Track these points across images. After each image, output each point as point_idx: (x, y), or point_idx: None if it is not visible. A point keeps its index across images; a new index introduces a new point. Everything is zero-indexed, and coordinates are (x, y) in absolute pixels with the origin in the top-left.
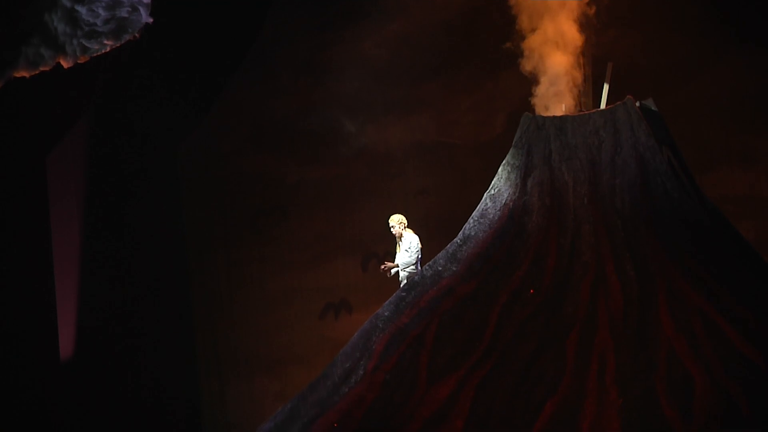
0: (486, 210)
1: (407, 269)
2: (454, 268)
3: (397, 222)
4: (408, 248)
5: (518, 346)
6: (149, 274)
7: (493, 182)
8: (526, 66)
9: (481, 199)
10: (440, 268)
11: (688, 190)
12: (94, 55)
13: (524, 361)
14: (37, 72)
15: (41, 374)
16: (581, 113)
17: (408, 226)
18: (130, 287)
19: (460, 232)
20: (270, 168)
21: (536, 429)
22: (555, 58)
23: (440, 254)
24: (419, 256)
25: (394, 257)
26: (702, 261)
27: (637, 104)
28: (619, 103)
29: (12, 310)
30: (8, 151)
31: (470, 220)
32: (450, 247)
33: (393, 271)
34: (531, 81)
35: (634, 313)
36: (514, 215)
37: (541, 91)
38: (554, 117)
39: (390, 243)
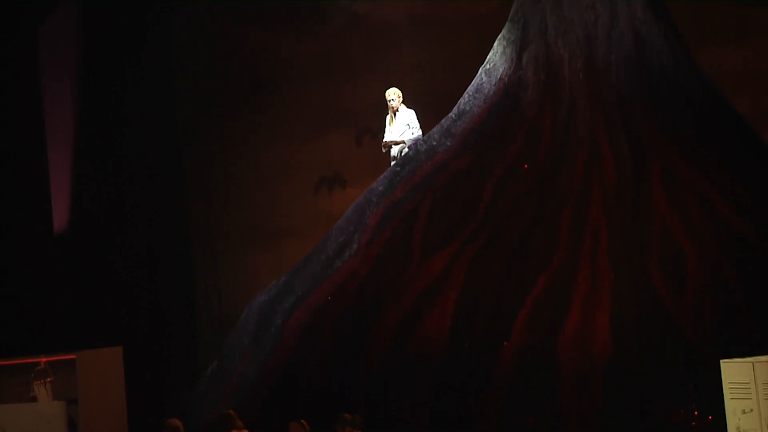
0: (481, 85)
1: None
2: (449, 143)
3: (396, 95)
4: (409, 123)
5: (512, 221)
6: (142, 148)
7: (488, 57)
8: None
9: (476, 73)
10: (435, 143)
11: (684, 65)
12: None
13: (518, 235)
14: None
15: (35, 249)
16: None
17: (403, 101)
18: (123, 160)
19: (455, 107)
20: (264, 41)
21: (529, 301)
22: None
23: (435, 129)
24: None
25: (385, 132)
26: (696, 136)
27: None
28: None
29: (5, 185)
30: None
31: (465, 95)
32: (444, 122)
33: (395, 148)
34: None
35: (628, 188)
36: (509, 90)
37: None
38: None
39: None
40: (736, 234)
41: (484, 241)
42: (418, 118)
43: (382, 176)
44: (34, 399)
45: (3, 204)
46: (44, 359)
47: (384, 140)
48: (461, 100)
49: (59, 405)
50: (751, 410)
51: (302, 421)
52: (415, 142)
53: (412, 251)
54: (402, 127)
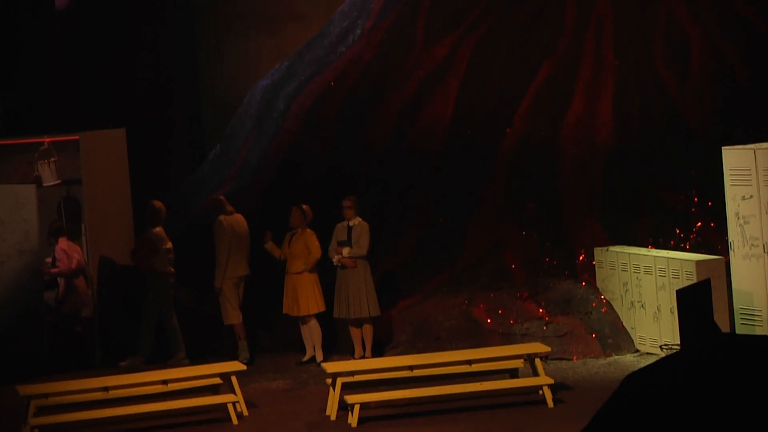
0: None
1: None
2: None
3: None
4: None
5: (516, 7)
6: None
7: None
8: None
9: None
10: None
11: None
12: None
13: (522, 21)
14: None
15: (38, 27)
16: None
17: None
18: None
19: None
20: None
21: (532, 88)
22: None
23: None
24: None
25: None
26: None
27: None
28: None
29: None
30: None
31: None
32: None
33: None
34: None
35: None
36: None
37: None
38: None
39: None
40: (742, 21)
41: (487, 27)
42: None
43: None
44: (38, 179)
45: None
46: (48, 139)
47: None
48: None
49: (30, 188)
50: (751, 197)
51: (303, 206)
52: None
53: (416, 37)
54: None
